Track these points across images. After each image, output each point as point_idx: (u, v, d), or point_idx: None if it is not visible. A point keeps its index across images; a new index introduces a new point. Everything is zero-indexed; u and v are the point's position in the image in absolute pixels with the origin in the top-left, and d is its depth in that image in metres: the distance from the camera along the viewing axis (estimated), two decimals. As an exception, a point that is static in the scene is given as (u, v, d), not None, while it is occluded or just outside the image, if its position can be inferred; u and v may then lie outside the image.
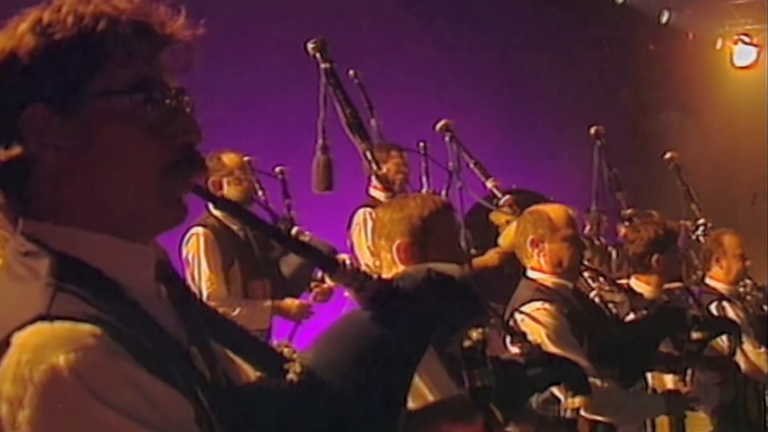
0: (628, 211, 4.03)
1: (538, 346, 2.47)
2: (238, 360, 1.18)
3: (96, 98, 1.00)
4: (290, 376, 1.10)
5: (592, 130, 4.09)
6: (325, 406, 1.09)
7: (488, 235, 3.92)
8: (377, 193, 4.54)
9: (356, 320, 1.14)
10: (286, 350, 1.16)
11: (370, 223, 4.33)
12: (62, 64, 0.99)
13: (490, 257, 3.72)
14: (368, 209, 4.42)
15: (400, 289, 1.14)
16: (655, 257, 3.58)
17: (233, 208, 1.22)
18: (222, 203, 1.20)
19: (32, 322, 0.90)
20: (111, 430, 0.88)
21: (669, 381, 3.56)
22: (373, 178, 4.49)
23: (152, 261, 1.07)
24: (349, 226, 4.48)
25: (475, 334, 1.29)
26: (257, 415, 1.09)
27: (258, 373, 1.17)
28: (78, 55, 0.99)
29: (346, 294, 1.17)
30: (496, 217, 3.70)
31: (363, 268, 1.17)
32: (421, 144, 4.10)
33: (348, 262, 1.16)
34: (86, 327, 0.90)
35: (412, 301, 1.13)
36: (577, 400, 2.53)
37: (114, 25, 1.00)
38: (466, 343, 1.30)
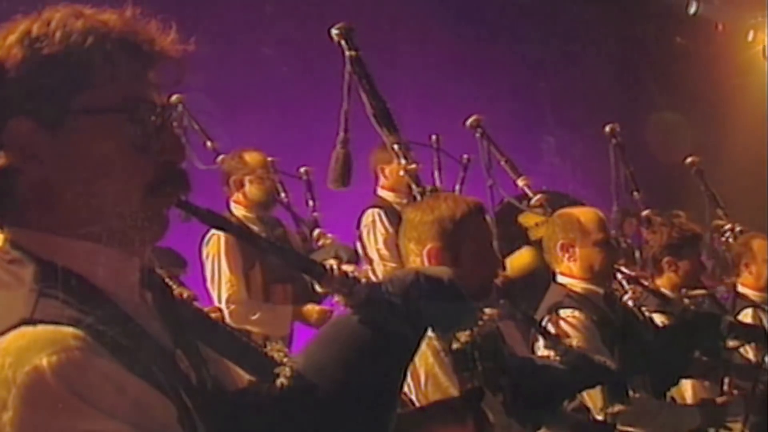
0: (646, 212, 3.88)
1: (574, 348, 2.40)
2: (232, 365, 1.20)
3: (81, 114, 1.00)
4: (280, 380, 1.12)
5: (608, 129, 3.86)
6: (314, 409, 1.10)
7: (514, 234, 3.84)
8: (385, 193, 4.45)
9: (345, 325, 1.15)
10: (277, 354, 1.18)
11: (379, 225, 4.27)
12: (49, 78, 0.99)
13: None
14: (377, 210, 4.34)
15: (389, 292, 1.14)
16: (666, 260, 3.56)
17: (212, 218, 1.16)
18: (202, 215, 1.14)
19: (16, 326, 0.93)
20: (94, 430, 0.89)
21: (690, 392, 3.46)
22: (381, 177, 4.43)
23: (136, 267, 1.08)
24: (358, 227, 4.39)
25: (463, 336, 1.28)
26: (244, 418, 1.11)
27: (249, 377, 1.19)
28: (64, 70, 0.99)
29: (335, 300, 1.17)
30: (525, 219, 3.61)
31: (352, 272, 1.16)
32: (434, 137, 3.95)
33: (335, 267, 1.15)
34: (68, 330, 0.92)
35: (400, 304, 1.13)
36: (617, 408, 2.47)
37: (102, 43, 1.00)
38: (455, 346, 1.29)
